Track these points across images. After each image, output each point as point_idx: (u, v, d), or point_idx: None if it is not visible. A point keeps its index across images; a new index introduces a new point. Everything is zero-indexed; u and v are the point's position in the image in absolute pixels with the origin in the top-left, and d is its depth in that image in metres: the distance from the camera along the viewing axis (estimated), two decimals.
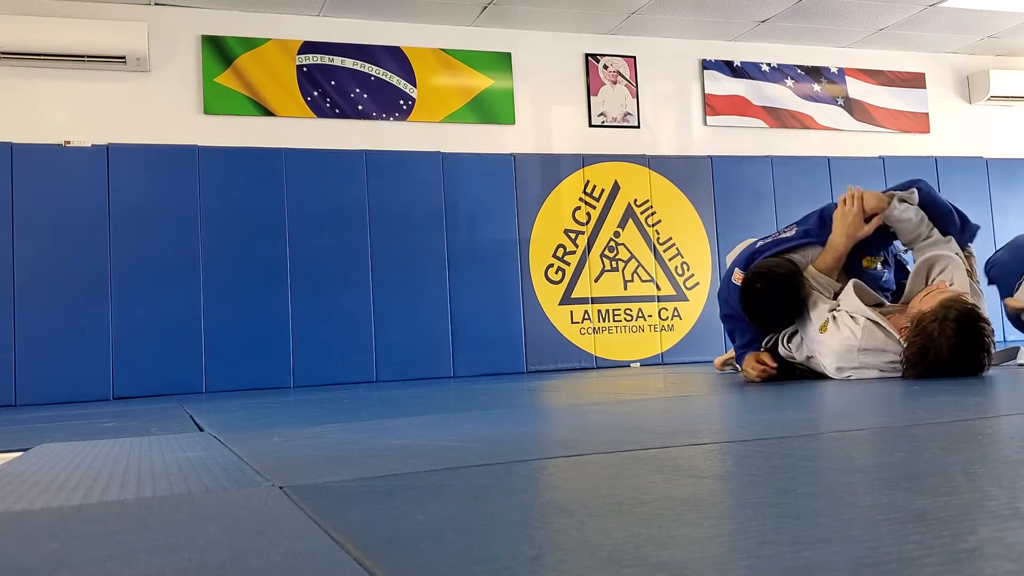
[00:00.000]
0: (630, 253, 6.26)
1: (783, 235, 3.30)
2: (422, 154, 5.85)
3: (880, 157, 6.90)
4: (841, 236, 3.07)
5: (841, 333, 2.85)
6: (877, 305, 2.98)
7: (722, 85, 6.65)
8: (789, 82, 6.81)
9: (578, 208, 6.18)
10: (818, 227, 3.20)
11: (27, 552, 0.84)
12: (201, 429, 2.33)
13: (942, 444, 1.27)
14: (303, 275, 5.51)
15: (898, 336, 2.77)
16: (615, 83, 6.41)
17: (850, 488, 0.93)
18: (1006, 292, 4.07)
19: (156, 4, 5.47)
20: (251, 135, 5.57)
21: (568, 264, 6.12)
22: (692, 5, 5.94)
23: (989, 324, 2.68)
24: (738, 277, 3.14)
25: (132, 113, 5.40)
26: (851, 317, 2.86)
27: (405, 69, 5.94)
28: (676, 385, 3.40)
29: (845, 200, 3.17)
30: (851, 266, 3.16)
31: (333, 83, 5.77)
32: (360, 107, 5.81)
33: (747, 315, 3.09)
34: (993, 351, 2.71)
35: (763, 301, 3.02)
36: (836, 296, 3.04)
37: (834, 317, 2.90)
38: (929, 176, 6.96)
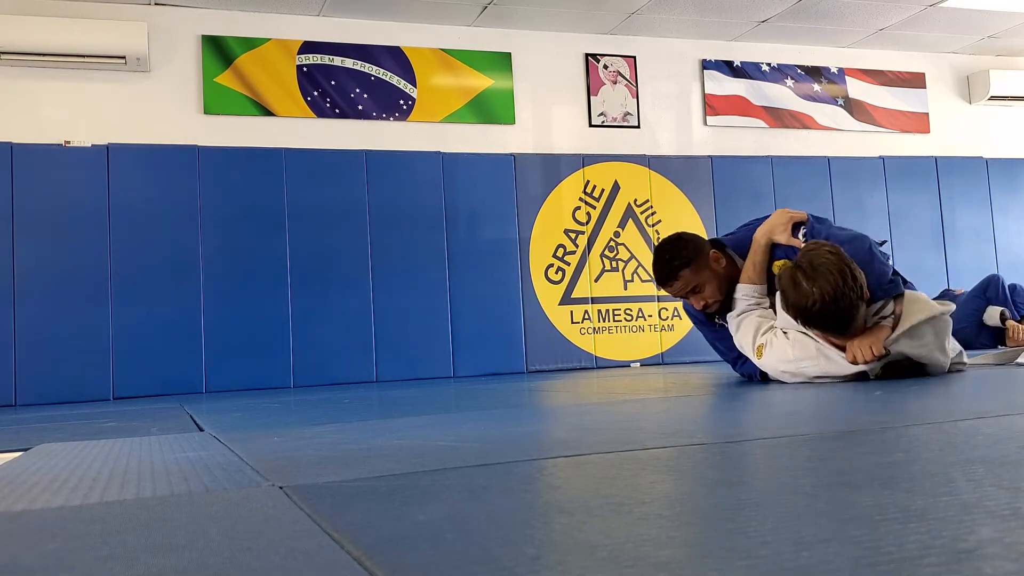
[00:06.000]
0: (630, 253, 6.26)
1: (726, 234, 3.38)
2: (422, 154, 5.85)
3: (880, 157, 6.90)
4: (760, 232, 3.06)
5: (775, 352, 2.84)
6: None
7: (722, 85, 6.65)
8: (789, 82, 6.81)
9: (578, 208, 6.18)
10: (750, 233, 3.18)
11: (27, 552, 0.84)
12: (201, 429, 2.33)
13: (942, 444, 1.27)
14: (303, 275, 5.51)
15: (821, 339, 2.74)
16: (615, 83, 6.41)
17: (850, 488, 0.93)
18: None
19: (156, 4, 5.47)
20: (251, 135, 5.57)
21: (568, 264, 6.12)
22: (692, 5, 5.94)
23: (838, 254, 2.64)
24: None
25: (132, 113, 5.40)
26: (783, 333, 2.84)
27: (405, 69, 5.94)
28: (676, 385, 3.40)
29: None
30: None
31: (333, 83, 5.77)
32: (360, 107, 5.81)
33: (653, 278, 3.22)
34: (843, 272, 2.59)
35: (656, 255, 3.17)
36: (772, 302, 3.00)
37: (768, 341, 2.88)
38: (929, 176, 6.98)
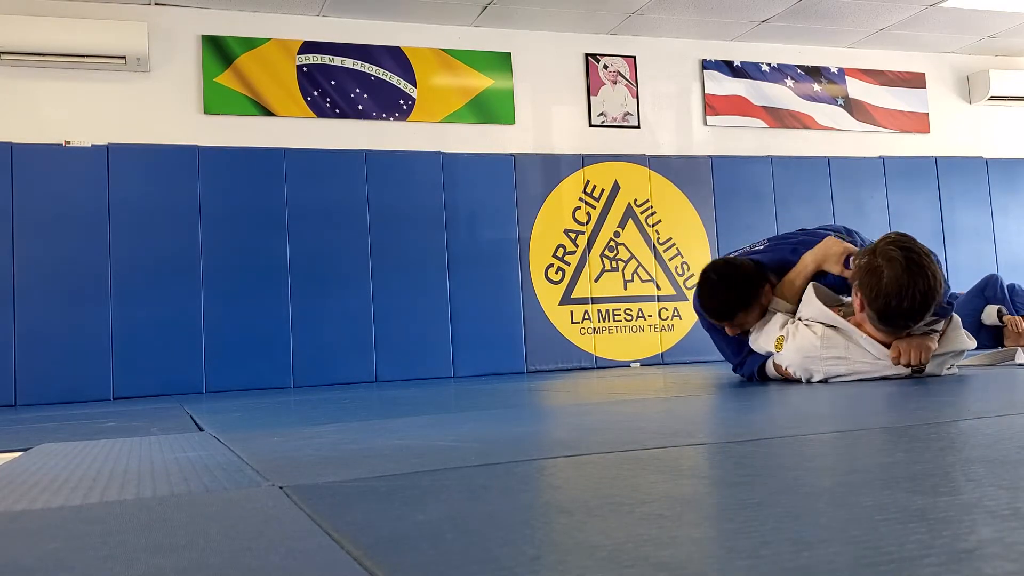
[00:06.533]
0: (630, 253, 6.26)
1: (755, 249, 3.30)
2: (422, 154, 5.85)
3: (880, 157, 6.90)
4: (811, 257, 3.02)
5: (797, 342, 2.79)
6: (838, 305, 2.91)
7: (722, 85, 6.65)
8: (789, 82, 6.81)
9: (578, 208, 6.18)
10: (790, 254, 3.14)
11: (27, 552, 0.84)
12: (201, 429, 2.33)
13: (942, 444, 1.27)
14: (303, 275, 5.51)
15: (859, 335, 2.73)
16: (615, 83, 6.41)
17: (850, 488, 0.93)
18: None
19: (156, 4, 5.47)
20: (251, 135, 5.57)
21: (568, 264, 6.12)
22: (692, 5, 5.94)
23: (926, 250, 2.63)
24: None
25: (132, 113, 5.40)
26: (806, 326, 2.81)
27: (405, 69, 5.94)
28: (676, 385, 3.40)
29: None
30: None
31: (333, 83, 5.77)
32: (360, 107, 5.81)
33: (700, 305, 3.10)
34: (940, 275, 2.59)
35: (714, 290, 3.04)
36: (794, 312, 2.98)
37: (789, 331, 2.85)
38: (929, 176, 6.99)
